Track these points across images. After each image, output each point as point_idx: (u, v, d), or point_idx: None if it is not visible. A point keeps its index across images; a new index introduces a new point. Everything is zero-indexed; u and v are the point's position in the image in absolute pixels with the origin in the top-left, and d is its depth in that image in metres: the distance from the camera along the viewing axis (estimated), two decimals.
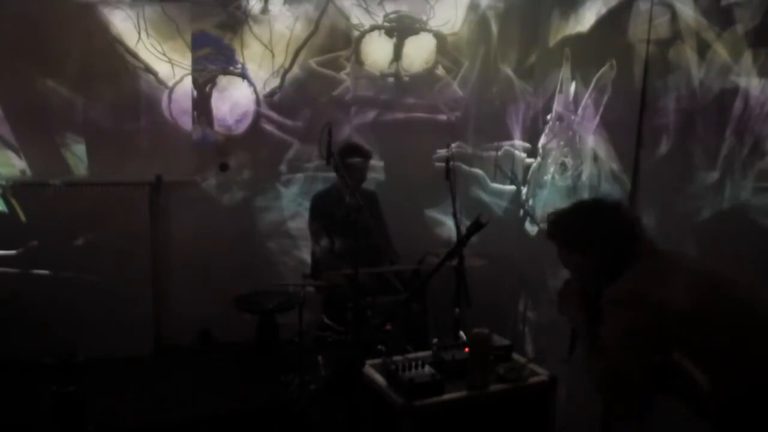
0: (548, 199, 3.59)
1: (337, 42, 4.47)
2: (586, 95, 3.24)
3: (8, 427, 3.25)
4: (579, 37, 3.36)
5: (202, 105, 4.28)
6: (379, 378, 2.45)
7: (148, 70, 4.13)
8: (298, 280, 3.70)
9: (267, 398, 3.55)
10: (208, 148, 4.33)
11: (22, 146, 3.99)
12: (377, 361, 2.55)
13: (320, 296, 3.76)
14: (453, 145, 3.85)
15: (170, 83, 4.20)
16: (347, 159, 3.66)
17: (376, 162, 4.43)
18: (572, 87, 3.38)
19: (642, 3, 2.85)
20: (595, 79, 3.17)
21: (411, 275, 3.76)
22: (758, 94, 2.29)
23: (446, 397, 2.32)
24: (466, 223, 3.37)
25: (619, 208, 1.95)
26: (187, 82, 4.22)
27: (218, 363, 4.11)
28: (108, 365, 3.72)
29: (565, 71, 3.46)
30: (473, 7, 4.50)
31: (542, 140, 3.69)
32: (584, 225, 1.91)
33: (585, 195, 3.23)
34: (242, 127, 4.38)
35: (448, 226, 4.58)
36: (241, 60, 4.29)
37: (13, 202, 3.93)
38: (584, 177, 3.26)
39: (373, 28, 4.51)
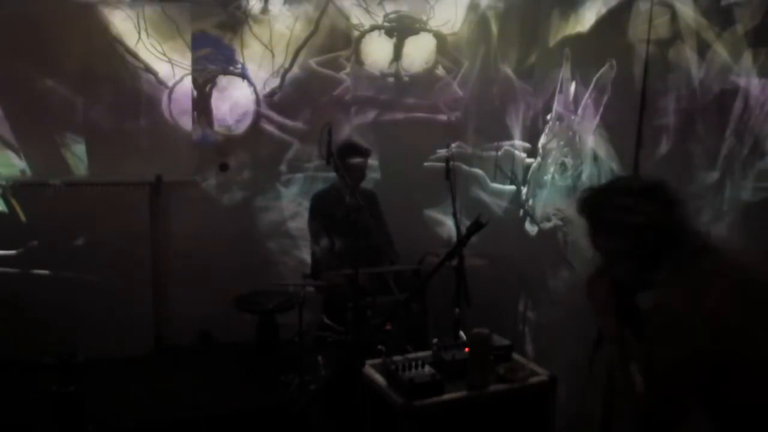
0: (548, 199, 3.59)
1: (337, 42, 4.47)
2: (586, 95, 3.24)
3: (8, 427, 3.25)
4: (579, 37, 3.35)
5: (202, 105, 4.28)
6: (379, 378, 2.45)
7: (148, 70, 4.13)
8: (298, 280, 3.70)
9: (267, 398, 3.55)
10: (208, 148, 4.34)
11: (22, 146, 3.99)
12: (377, 361, 2.55)
13: (320, 296, 3.76)
14: (453, 145, 3.86)
15: (170, 83, 4.20)
16: (346, 158, 3.66)
17: (376, 162, 4.44)
18: (572, 87, 3.38)
19: (642, 3, 2.85)
20: (595, 79, 3.17)
21: (411, 275, 3.76)
22: (758, 94, 2.28)
23: (446, 397, 2.32)
24: (466, 223, 3.37)
25: (661, 188, 1.67)
26: (187, 82, 4.22)
27: (218, 363, 4.11)
28: (108, 365, 3.71)
29: (565, 71, 3.45)
30: (473, 7, 4.49)
31: (542, 140, 3.69)
32: (617, 205, 1.65)
33: None
34: (242, 127, 4.38)
35: (448, 226, 4.58)
36: (241, 60, 4.29)
37: (13, 202, 3.93)
38: (584, 177, 3.25)
39: (373, 28, 4.51)
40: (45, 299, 3.94)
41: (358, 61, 4.53)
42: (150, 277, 4.22)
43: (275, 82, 4.38)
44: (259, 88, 4.35)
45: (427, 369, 2.39)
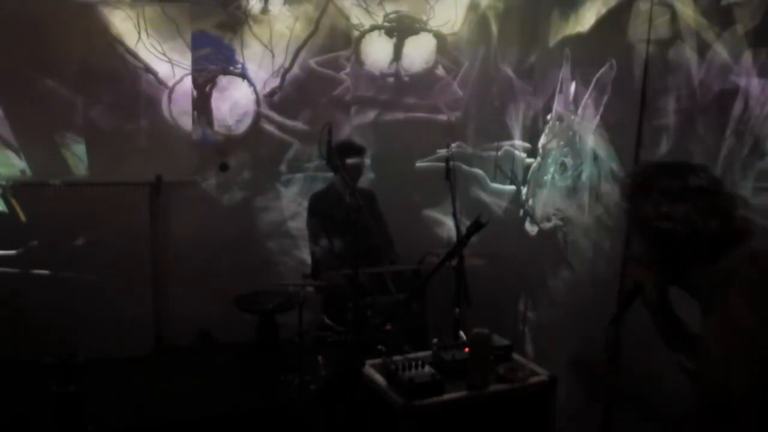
0: (548, 199, 3.59)
1: (337, 42, 4.47)
2: (586, 95, 3.24)
3: (8, 427, 3.25)
4: (579, 37, 3.35)
5: (202, 105, 4.28)
6: (379, 378, 2.45)
7: (148, 70, 4.13)
8: (298, 280, 3.70)
9: (267, 398, 3.55)
10: (208, 148, 4.33)
11: (22, 146, 3.99)
12: (377, 361, 2.55)
13: (320, 296, 3.76)
14: (453, 145, 3.86)
15: (170, 83, 4.20)
16: (343, 158, 3.66)
17: (368, 161, 4.43)
18: (572, 87, 3.38)
19: (642, 3, 2.85)
20: (595, 79, 3.17)
21: (411, 275, 3.76)
22: (758, 94, 2.28)
23: (446, 397, 2.32)
24: (466, 223, 3.37)
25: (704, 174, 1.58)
26: (187, 82, 4.22)
27: (218, 363, 4.11)
28: (108, 365, 3.71)
29: (565, 71, 3.45)
30: (473, 7, 4.49)
31: (542, 140, 3.69)
32: (659, 192, 1.55)
33: (585, 195, 3.23)
34: (242, 127, 4.38)
35: (448, 226, 4.58)
36: (241, 60, 4.29)
37: (13, 202, 3.93)
38: (584, 177, 3.25)
39: (373, 28, 4.51)
40: (45, 299, 3.95)
41: (358, 61, 4.53)
42: (150, 277, 4.22)
43: (275, 82, 4.38)
44: (259, 88, 4.35)
45: (427, 369, 2.39)
